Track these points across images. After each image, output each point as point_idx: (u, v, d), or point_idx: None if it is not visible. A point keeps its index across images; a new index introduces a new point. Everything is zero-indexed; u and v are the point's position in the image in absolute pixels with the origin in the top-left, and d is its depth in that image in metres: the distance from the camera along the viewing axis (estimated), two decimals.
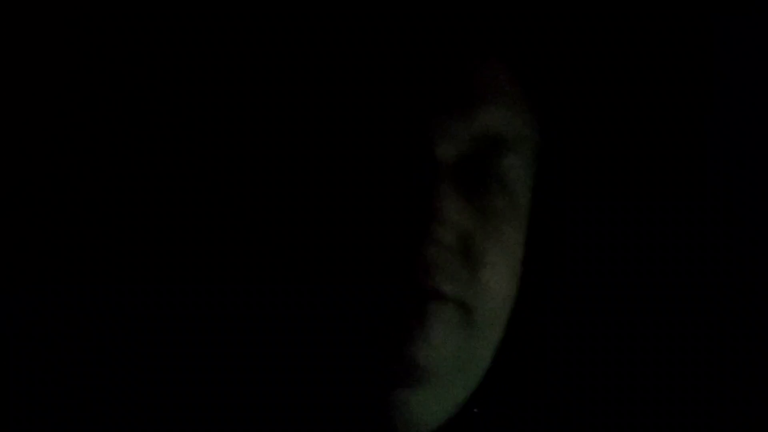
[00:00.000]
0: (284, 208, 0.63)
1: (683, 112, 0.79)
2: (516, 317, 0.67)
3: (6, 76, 0.72)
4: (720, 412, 0.84)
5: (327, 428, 0.63)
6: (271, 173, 0.64)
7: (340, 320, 0.61)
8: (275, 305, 0.64)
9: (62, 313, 0.70)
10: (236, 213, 0.67)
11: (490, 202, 0.63)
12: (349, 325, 0.60)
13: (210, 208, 0.68)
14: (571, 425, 0.79)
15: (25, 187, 0.72)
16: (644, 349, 0.84)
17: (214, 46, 0.70)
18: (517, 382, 0.72)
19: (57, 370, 0.69)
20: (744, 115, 0.83)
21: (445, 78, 0.62)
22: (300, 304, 0.62)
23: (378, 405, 0.61)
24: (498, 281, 0.63)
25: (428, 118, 0.61)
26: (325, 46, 0.64)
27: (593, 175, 0.76)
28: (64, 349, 0.69)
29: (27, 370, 0.69)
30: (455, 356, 0.62)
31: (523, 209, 0.66)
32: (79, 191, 0.72)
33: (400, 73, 0.62)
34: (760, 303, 0.83)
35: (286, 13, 0.67)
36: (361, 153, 0.61)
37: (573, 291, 0.76)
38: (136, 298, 0.70)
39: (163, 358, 0.68)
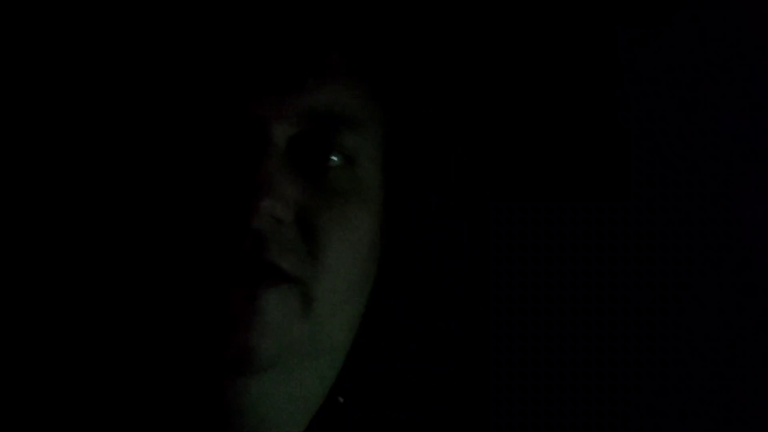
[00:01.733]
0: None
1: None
2: (376, 303, 0.66)
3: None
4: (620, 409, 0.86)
5: (165, 420, 0.61)
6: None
7: (168, 302, 0.59)
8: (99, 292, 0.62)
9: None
10: None
11: (332, 182, 0.62)
12: (177, 307, 0.59)
13: None
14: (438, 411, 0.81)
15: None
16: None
17: None
18: (386, 369, 0.71)
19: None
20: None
21: (274, 59, 0.61)
22: (122, 284, 0.61)
23: (214, 394, 0.59)
24: (340, 260, 0.61)
25: (258, 98, 0.60)
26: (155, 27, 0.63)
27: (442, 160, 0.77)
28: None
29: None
30: (297, 340, 0.60)
31: (372, 191, 0.65)
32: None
33: (230, 56, 0.61)
34: (650, 300, 0.85)
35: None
36: (193, 133, 0.60)
37: (433, 276, 0.76)
38: None
39: None
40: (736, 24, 0.82)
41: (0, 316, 0.66)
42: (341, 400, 0.67)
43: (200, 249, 0.59)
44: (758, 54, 0.83)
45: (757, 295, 0.83)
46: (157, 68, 0.62)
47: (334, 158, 0.62)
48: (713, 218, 0.84)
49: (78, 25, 0.65)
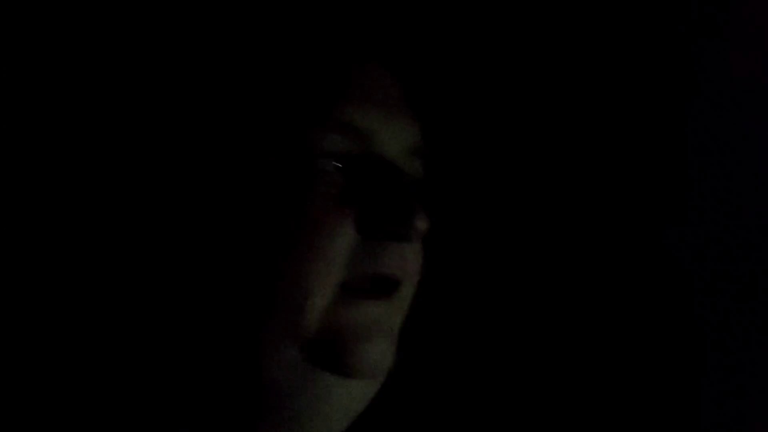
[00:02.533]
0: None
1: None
2: None
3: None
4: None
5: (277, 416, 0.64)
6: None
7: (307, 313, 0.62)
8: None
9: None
10: None
11: None
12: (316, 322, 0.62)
13: None
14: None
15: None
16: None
17: None
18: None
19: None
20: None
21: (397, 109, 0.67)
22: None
23: (310, 393, 0.63)
24: (418, 273, 0.67)
25: (394, 138, 0.66)
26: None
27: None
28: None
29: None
30: (395, 346, 0.65)
31: None
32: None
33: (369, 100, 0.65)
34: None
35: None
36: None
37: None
38: None
39: None
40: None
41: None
42: None
43: (345, 264, 0.63)
44: None
45: None
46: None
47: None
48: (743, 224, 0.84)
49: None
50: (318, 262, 0.61)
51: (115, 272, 0.68)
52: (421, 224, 0.63)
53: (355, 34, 0.70)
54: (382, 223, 0.63)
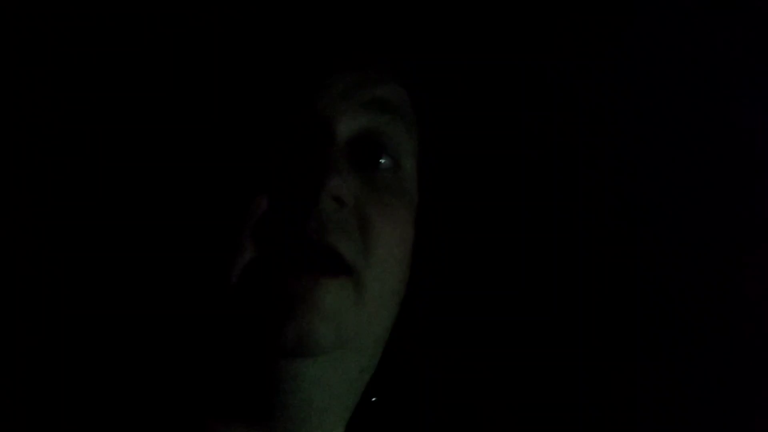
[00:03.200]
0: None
1: None
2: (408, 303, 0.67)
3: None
4: None
5: (214, 397, 0.62)
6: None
7: (229, 282, 0.59)
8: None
9: None
10: None
11: (382, 181, 0.64)
12: (238, 288, 0.59)
13: None
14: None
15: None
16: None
17: None
18: (414, 370, 0.72)
19: None
20: None
21: (339, 59, 0.64)
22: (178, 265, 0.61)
23: (269, 375, 0.60)
24: (389, 254, 0.63)
25: (325, 92, 0.62)
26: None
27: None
28: None
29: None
30: (350, 329, 0.61)
31: (412, 193, 0.67)
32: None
33: (300, 55, 0.63)
34: None
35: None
36: (262, 126, 0.62)
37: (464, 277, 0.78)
38: None
39: None
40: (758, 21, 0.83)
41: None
42: (374, 399, 0.68)
43: (265, 230, 0.59)
44: None
45: None
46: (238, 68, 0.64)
47: (383, 160, 0.64)
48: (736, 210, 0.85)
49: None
50: (233, 225, 0.59)
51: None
52: (331, 183, 0.59)
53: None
54: (296, 184, 0.59)
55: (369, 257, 0.61)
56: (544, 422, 0.86)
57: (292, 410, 0.61)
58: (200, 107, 0.63)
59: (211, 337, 0.61)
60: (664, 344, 0.86)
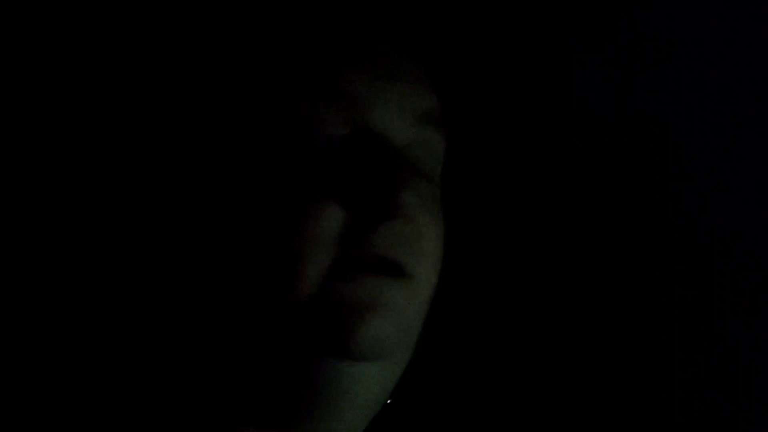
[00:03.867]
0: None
1: None
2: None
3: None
4: None
5: (276, 401, 0.62)
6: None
7: (298, 294, 0.60)
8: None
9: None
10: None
11: (423, 185, 0.65)
12: (311, 297, 0.60)
13: None
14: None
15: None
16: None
17: None
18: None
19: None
20: None
21: (376, 73, 0.64)
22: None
23: (332, 378, 0.61)
24: (435, 259, 0.64)
25: (385, 103, 0.63)
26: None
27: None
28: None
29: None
30: (408, 329, 0.63)
31: (438, 192, 0.68)
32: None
33: (356, 67, 0.64)
34: None
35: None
36: (324, 140, 0.62)
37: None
38: None
39: None
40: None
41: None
42: (389, 401, 0.68)
43: (334, 242, 0.60)
44: None
45: None
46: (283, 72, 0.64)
47: (426, 169, 0.66)
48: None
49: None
50: (303, 239, 0.59)
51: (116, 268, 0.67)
52: (407, 198, 0.60)
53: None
54: (366, 200, 0.60)
55: (422, 262, 0.62)
56: (561, 421, 0.87)
57: (345, 413, 0.63)
58: (272, 119, 0.63)
59: (277, 346, 0.61)
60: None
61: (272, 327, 0.60)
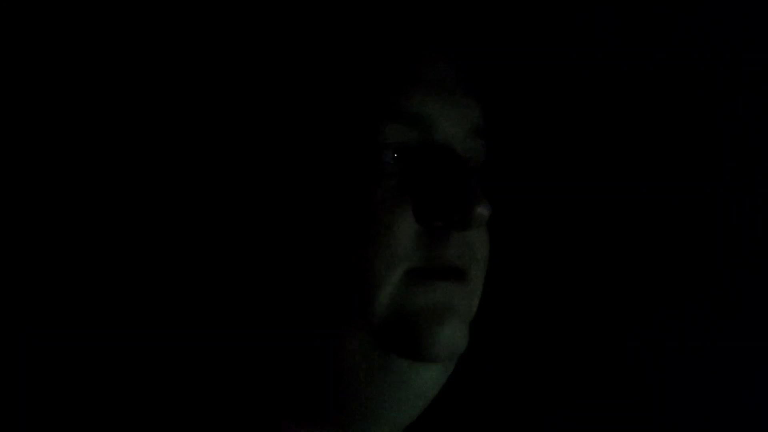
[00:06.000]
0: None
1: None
2: None
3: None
4: None
5: (350, 401, 0.63)
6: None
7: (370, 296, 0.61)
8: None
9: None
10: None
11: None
12: (389, 305, 0.61)
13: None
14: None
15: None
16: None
17: None
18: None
19: None
20: None
21: (439, 81, 0.66)
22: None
23: (404, 379, 0.62)
24: (485, 263, 0.66)
25: (449, 118, 0.64)
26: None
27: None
28: None
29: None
30: (467, 330, 0.64)
31: None
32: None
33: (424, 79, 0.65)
34: None
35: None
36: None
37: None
38: None
39: None
40: None
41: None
42: None
43: (410, 251, 0.62)
44: None
45: None
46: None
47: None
48: None
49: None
50: (381, 253, 0.61)
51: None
52: (483, 211, 0.62)
53: (407, 19, 0.70)
54: (441, 212, 0.62)
55: (478, 268, 0.65)
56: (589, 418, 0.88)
57: (409, 410, 0.65)
58: (344, 138, 0.64)
59: (354, 351, 0.62)
60: None
61: (352, 339, 0.62)
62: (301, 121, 0.64)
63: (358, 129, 0.63)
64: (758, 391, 0.85)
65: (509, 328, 0.86)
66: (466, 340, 0.64)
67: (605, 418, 0.88)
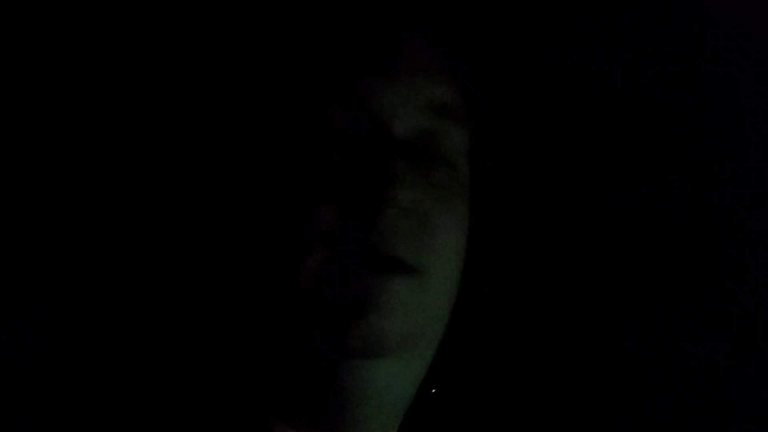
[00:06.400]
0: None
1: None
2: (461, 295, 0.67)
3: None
4: None
5: (294, 399, 0.61)
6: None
7: (299, 290, 0.59)
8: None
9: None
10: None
11: (439, 178, 0.64)
12: (309, 295, 0.59)
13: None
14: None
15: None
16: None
17: None
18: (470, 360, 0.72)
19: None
20: None
21: (392, 59, 0.63)
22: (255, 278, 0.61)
23: (341, 378, 0.59)
24: (450, 252, 0.63)
25: (383, 94, 0.62)
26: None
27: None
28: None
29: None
30: (419, 327, 0.61)
31: (466, 188, 0.67)
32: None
33: (357, 57, 0.62)
34: None
35: None
36: (321, 130, 0.62)
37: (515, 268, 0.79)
38: None
39: None
40: None
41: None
42: (433, 391, 0.68)
43: (330, 236, 0.59)
44: None
45: None
46: (287, 66, 0.64)
47: (441, 160, 0.64)
48: None
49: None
50: (300, 238, 0.59)
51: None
52: (405, 192, 0.59)
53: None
54: (361, 195, 0.59)
55: (433, 255, 0.61)
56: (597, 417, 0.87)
57: (363, 413, 0.61)
58: (260, 112, 0.63)
59: (279, 342, 0.61)
60: None
61: (279, 322, 0.60)
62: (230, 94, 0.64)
63: (286, 103, 0.61)
64: (758, 391, 0.85)
65: (509, 328, 0.86)
66: (403, 337, 0.59)
67: (605, 418, 0.87)
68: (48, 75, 0.75)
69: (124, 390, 0.70)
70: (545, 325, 0.88)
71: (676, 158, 0.87)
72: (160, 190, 0.69)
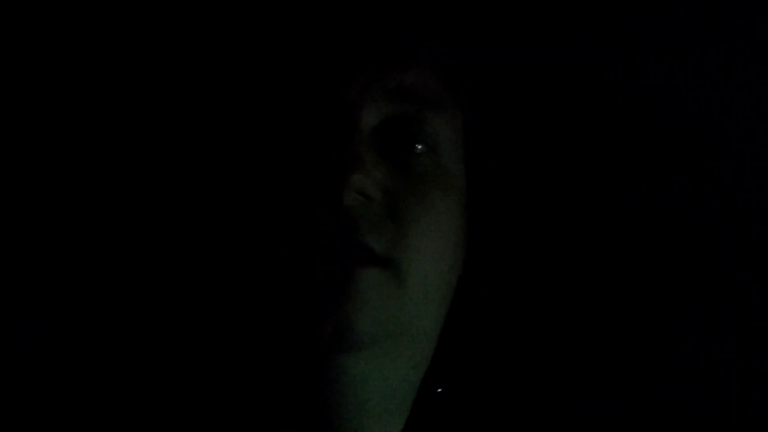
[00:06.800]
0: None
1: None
2: (466, 297, 0.67)
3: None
4: None
5: (266, 395, 0.61)
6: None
7: (267, 283, 0.58)
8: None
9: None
10: None
11: (416, 168, 0.62)
12: (277, 288, 0.58)
13: None
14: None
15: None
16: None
17: None
18: (475, 362, 0.72)
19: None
20: None
21: (363, 44, 0.62)
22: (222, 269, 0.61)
23: (312, 372, 0.58)
24: (429, 244, 0.61)
25: (348, 80, 0.61)
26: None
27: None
28: None
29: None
30: (392, 321, 0.59)
31: (454, 179, 0.65)
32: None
33: (321, 42, 0.61)
34: None
35: None
36: (284, 117, 0.61)
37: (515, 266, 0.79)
38: None
39: None
40: None
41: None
42: (439, 390, 0.68)
43: (293, 229, 0.58)
44: None
45: None
46: (247, 56, 0.64)
47: (418, 145, 0.63)
48: None
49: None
50: (266, 230, 0.58)
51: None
52: (364, 180, 0.58)
53: None
54: (319, 181, 0.58)
55: (406, 247, 0.60)
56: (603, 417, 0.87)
57: (347, 411, 0.60)
58: (225, 103, 0.63)
59: (251, 336, 0.60)
60: None
61: (244, 316, 0.60)
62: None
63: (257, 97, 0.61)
64: (758, 391, 0.85)
65: (509, 328, 0.86)
66: (372, 330, 0.58)
67: (605, 418, 0.87)
68: (48, 75, 0.75)
69: (121, 389, 0.69)
70: (545, 325, 0.88)
71: (676, 158, 0.87)
72: (159, 190, 0.68)
